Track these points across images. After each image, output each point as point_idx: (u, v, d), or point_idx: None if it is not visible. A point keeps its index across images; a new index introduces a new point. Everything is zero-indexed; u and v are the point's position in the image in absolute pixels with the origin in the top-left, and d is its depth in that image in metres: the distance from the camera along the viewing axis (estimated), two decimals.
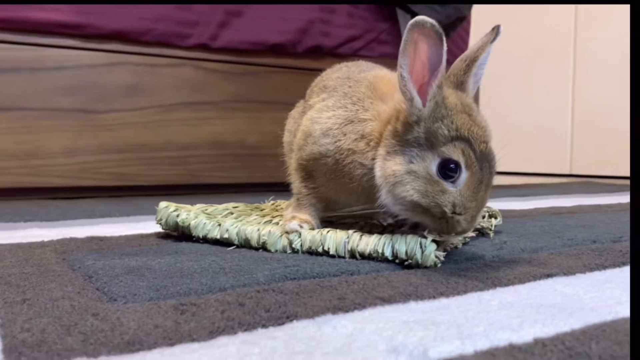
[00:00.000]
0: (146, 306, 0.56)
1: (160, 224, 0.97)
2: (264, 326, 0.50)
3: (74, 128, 1.73)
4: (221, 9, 1.89)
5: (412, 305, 0.57)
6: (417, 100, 0.74)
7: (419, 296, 0.60)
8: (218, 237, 0.90)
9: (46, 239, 0.95)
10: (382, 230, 0.89)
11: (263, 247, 0.86)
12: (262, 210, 1.11)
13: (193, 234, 0.93)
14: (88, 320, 0.51)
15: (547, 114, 3.47)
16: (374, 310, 0.55)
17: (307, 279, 0.68)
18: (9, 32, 1.63)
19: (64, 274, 0.71)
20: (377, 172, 0.77)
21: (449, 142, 0.72)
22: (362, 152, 0.80)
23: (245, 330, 0.49)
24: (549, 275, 0.69)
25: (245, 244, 0.88)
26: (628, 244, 0.92)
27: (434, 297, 0.60)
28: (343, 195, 0.86)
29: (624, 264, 0.77)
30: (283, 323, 0.51)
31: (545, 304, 0.57)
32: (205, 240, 0.92)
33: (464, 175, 0.72)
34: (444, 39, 0.71)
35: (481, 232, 1.00)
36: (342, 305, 0.56)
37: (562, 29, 3.35)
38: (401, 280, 0.67)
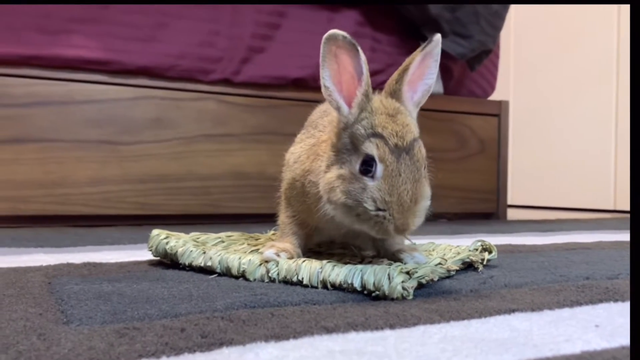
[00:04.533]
0: (94, 329, 0.58)
1: (151, 251, 1.00)
2: (192, 351, 0.51)
3: (100, 159, 1.81)
4: (244, 46, 1.95)
5: (352, 335, 0.57)
6: (344, 109, 0.80)
7: (365, 327, 0.59)
8: (202, 264, 0.92)
9: (44, 264, 1.00)
10: (360, 261, 0.89)
11: (243, 275, 0.87)
12: (257, 239, 1.13)
13: (180, 262, 0.95)
14: (30, 340, 0.53)
15: (589, 148, 3.37)
16: (310, 339, 0.55)
17: (266, 307, 0.69)
18: (40, 69, 1.73)
19: (39, 296, 0.74)
20: (319, 186, 0.82)
21: (366, 140, 0.77)
22: (315, 171, 0.83)
23: (174, 354, 0.50)
24: (513, 311, 0.68)
25: (226, 272, 0.89)
26: (621, 281, 0.88)
27: (380, 329, 0.59)
28: (315, 220, 0.87)
29: (601, 301, 0.74)
30: (212, 349, 0.52)
31: (489, 338, 0.56)
32: (191, 267, 0.94)
33: (379, 168, 0.76)
34: (359, 49, 0.77)
35: (472, 266, 0.99)
36: (280, 334, 0.56)
37: (604, 61, 3.28)
38: (357, 310, 0.66)
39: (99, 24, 1.77)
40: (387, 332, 0.58)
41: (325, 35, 0.78)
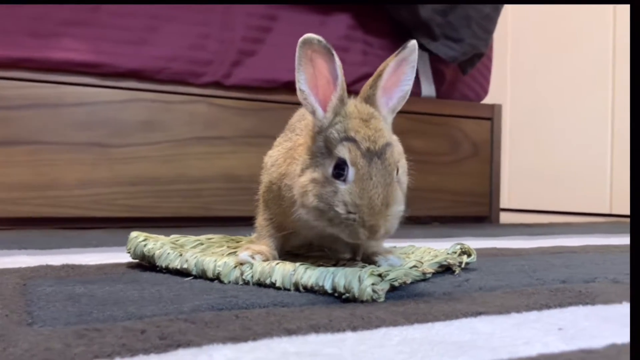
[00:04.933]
0: (55, 330, 0.58)
1: (129, 253, 1.00)
2: (147, 353, 0.51)
3: (90, 161, 1.81)
4: (235, 49, 1.96)
5: (312, 337, 0.57)
6: (319, 112, 0.80)
7: (327, 329, 0.59)
8: (179, 267, 0.92)
9: (24, 265, 1.00)
10: (335, 263, 0.89)
11: (218, 277, 0.87)
12: (238, 242, 1.13)
13: (157, 264, 0.95)
14: None
15: (586, 151, 3.37)
16: (268, 341, 0.55)
17: (233, 309, 0.69)
18: (31, 71, 1.74)
19: (10, 298, 0.74)
20: (294, 189, 0.82)
21: (339, 143, 0.77)
22: (291, 174, 0.83)
23: (129, 355, 0.51)
24: (479, 314, 0.68)
25: (202, 275, 0.89)
26: (597, 284, 0.88)
27: (342, 331, 0.59)
28: (292, 223, 0.88)
29: (571, 304, 0.74)
30: (168, 350, 0.52)
31: (448, 341, 0.56)
32: (168, 270, 0.94)
33: (350, 171, 0.76)
34: (334, 53, 0.78)
35: (449, 269, 0.98)
36: (240, 336, 0.56)
37: (600, 63, 3.28)
38: (324, 313, 0.66)
39: (90, 27, 1.77)
40: (348, 334, 0.58)
41: (301, 39, 0.79)
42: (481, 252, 1.29)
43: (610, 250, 1.40)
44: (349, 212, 0.76)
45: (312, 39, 0.77)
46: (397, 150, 1.00)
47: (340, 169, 0.77)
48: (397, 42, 2.25)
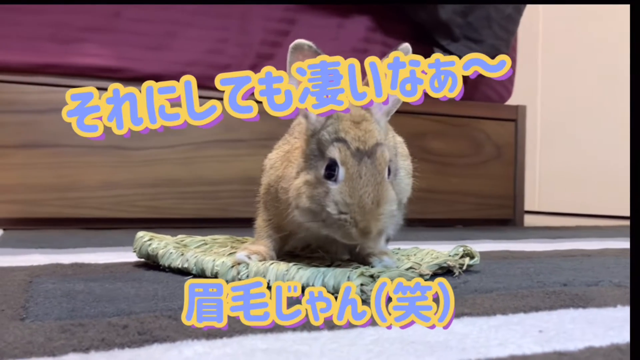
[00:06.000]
0: (44, 325, 0.60)
1: (135, 252, 1.02)
2: (122, 347, 0.53)
3: (111, 163, 1.86)
4: (253, 53, 1.98)
5: (286, 335, 0.58)
6: (312, 116, 0.81)
7: (304, 327, 0.60)
8: (180, 266, 0.94)
9: (35, 264, 1.03)
10: (329, 264, 0.90)
11: (216, 277, 0.89)
12: (242, 243, 1.15)
13: (160, 263, 0.97)
14: None
15: (617, 153, 3.29)
16: (242, 337, 0.56)
17: None
18: (54, 77, 1.80)
19: (11, 294, 0.77)
20: (289, 192, 0.83)
21: (330, 145, 0.78)
22: (287, 177, 0.84)
23: (104, 350, 0.52)
24: (464, 315, 0.68)
25: (202, 274, 0.91)
26: (597, 288, 0.87)
27: (319, 329, 0.60)
28: (289, 224, 0.89)
29: (562, 307, 0.73)
30: (143, 345, 0.54)
31: (421, 341, 0.56)
32: (170, 269, 0.97)
33: (341, 171, 0.77)
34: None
35: (450, 271, 0.98)
36: (217, 333, 0.57)
37: (623, 65, 3.20)
38: None
39: (111, 33, 1.82)
40: (324, 333, 0.59)
41: (291, 45, 0.80)
42: (491, 255, 1.27)
43: (628, 254, 1.37)
44: (341, 212, 0.76)
45: (303, 44, 0.79)
46: (398, 151, 1.00)
47: (331, 169, 0.78)
48: (417, 44, 2.23)
